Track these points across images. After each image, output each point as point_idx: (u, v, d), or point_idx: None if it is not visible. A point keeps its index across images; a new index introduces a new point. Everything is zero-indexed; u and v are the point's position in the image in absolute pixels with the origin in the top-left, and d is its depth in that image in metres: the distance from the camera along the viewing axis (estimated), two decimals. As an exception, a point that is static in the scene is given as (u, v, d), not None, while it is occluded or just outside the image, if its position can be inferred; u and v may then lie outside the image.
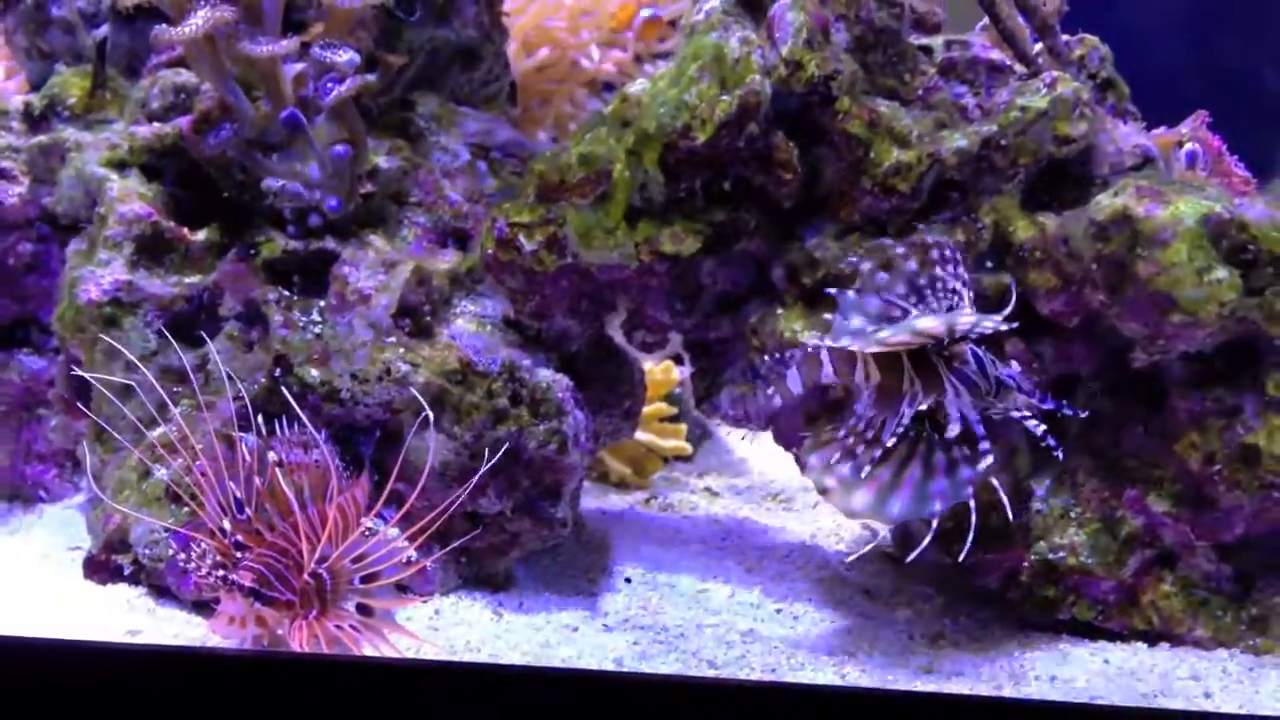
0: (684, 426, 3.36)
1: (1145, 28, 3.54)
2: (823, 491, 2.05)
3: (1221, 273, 2.05)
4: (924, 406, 2.04)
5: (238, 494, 1.97)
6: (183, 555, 2.02)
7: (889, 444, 2.03)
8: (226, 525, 1.97)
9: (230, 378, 2.19)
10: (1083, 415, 2.14)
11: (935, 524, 2.10)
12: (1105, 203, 2.12)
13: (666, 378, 3.36)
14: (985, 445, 2.03)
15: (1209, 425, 2.16)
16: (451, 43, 2.83)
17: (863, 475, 2.01)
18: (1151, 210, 2.07)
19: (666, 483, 3.27)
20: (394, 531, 2.05)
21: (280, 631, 1.99)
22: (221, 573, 1.93)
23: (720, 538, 2.81)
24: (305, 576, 1.97)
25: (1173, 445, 2.20)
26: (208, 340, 2.32)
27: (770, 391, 2.14)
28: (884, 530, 2.79)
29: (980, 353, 2.08)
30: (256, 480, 1.98)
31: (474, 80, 2.91)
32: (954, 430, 2.03)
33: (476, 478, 2.13)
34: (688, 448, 3.34)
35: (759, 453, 3.48)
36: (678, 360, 3.41)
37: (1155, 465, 2.24)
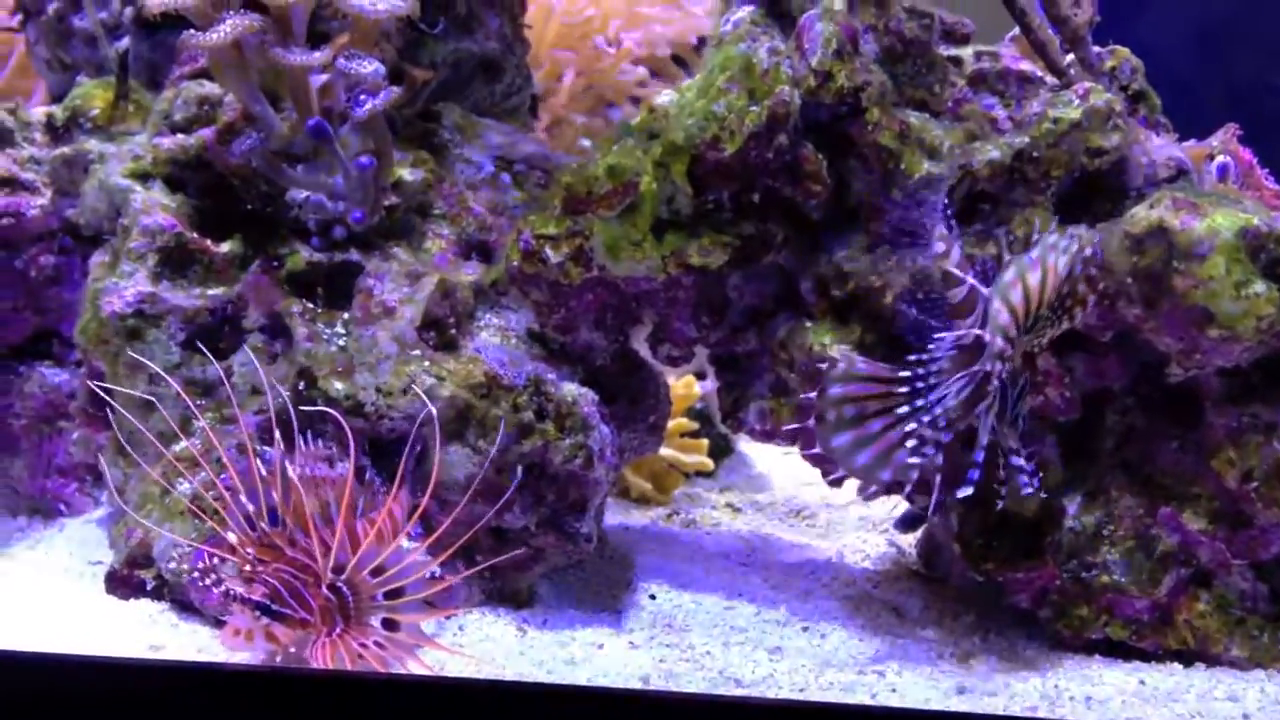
0: (705, 442, 3.34)
1: (1172, 41, 3.52)
2: (819, 419, 2.05)
3: (1260, 286, 2.02)
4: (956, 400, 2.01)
5: (251, 508, 1.95)
6: (185, 567, 2.00)
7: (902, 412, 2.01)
8: (233, 538, 1.94)
9: (272, 386, 2.16)
10: (1042, 497, 2.12)
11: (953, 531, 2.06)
12: (1141, 215, 2.09)
13: (688, 393, 3.34)
14: (974, 474, 2.00)
15: (1246, 441, 2.13)
16: (474, 54, 2.82)
17: (867, 431, 2.02)
18: (1188, 223, 2.05)
19: (688, 499, 3.25)
20: (411, 545, 2.02)
21: (293, 649, 1.96)
22: (224, 587, 1.91)
23: (744, 554, 2.78)
24: (325, 592, 1.94)
25: (1209, 462, 2.17)
26: (245, 348, 2.31)
27: (928, 225, 2.06)
28: (909, 547, 2.76)
29: (1026, 383, 2.05)
30: (275, 494, 1.96)
31: (496, 92, 2.90)
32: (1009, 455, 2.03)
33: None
34: (710, 464, 3.32)
35: (781, 469, 3.45)
36: (700, 375, 3.39)
37: (1190, 482, 2.21)
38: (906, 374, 2.01)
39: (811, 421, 2.07)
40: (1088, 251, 1.97)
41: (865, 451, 2.04)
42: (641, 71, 3.62)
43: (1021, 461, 2.05)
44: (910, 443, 2.00)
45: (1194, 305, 2.05)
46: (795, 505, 3.19)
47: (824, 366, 2.08)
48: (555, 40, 3.54)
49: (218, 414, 2.32)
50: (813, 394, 2.09)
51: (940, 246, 2.02)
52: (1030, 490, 2.04)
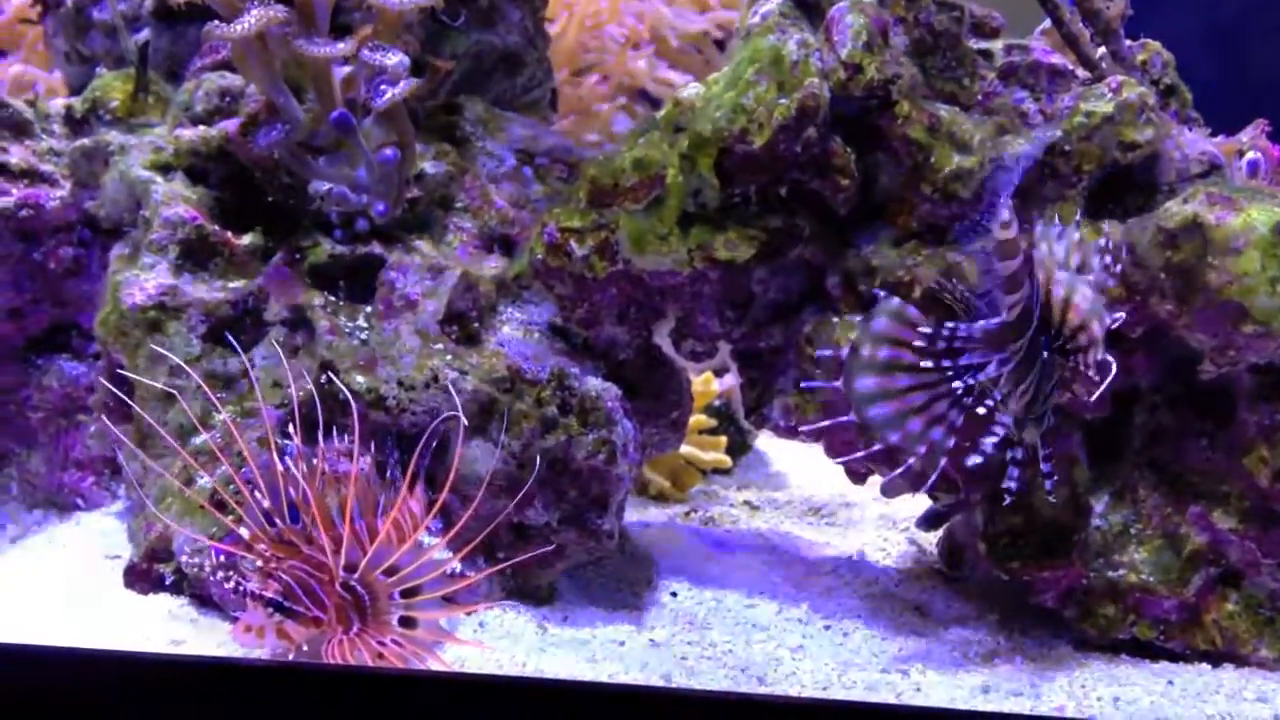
0: (724, 439, 3.32)
1: (1199, 35, 3.49)
2: (852, 350, 2.01)
3: (1295, 282, 2.00)
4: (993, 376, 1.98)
5: (269, 504, 1.93)
6: (198, 561, 1.99)
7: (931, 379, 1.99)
8: (246, 534, 1.93)
9: (298, 377, 2.14)
10: (1050, 501, 2.09)
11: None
12: (1175, 210, 2.07)
13: (706, 389, 3.32)
14: (987, 447, 1.98)
15: (1279, 440, 2.11)
16: (496, 48, 2.80)
17: (893, 384, 1.98)
18: (1223, 218, 2.02)
19: (705, 496, 3.24)
20: (431, 541, 2.01)
21: (306, 647, 1.94)
22: (234, 582, 1.89)
23: (765, 552, 2.76)
24: (339, 590, 1.92)
25: (1240, 460, 2.14)
26: (252, 347, 2.28)
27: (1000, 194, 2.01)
28: (930, 545, 2.74)
29: (1059, 381, 2.03)
30: (292, 491, 1.94)
31: (517, 85, 2.89)
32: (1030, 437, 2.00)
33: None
34: (728, 461, 3.30)
35: (798, 466, 3.43)
36: (718, 372, 3.37)
37: (1220, 481, 2.19)
38: (944, 336, 1.99)
39: (844, 351, 2.02)
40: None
41: (883, 405, 2.00)
42: (640, 65, 3.61)
43: (1029, 460, 2.03)
44: (926, 400, 1.97)
45: (1228, 301, 2.02)
46: (814, 503, 3.17)
47: (880, 295, 2.04)
48: (575, 36, 3.52)
49: (238, 407, 2.30)
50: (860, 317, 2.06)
51: (1006, 214, 1.98)
52: (1049, 488, 2.04)
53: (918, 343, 1.99)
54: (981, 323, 2.00)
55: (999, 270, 1.97)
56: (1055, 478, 2.06)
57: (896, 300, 2.04)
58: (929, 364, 1.98)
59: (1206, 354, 2.10)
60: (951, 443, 2.01)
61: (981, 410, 1.99)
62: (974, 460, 1.98)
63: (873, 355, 2.01)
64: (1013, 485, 2.02)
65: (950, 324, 2.00)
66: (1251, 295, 2.01)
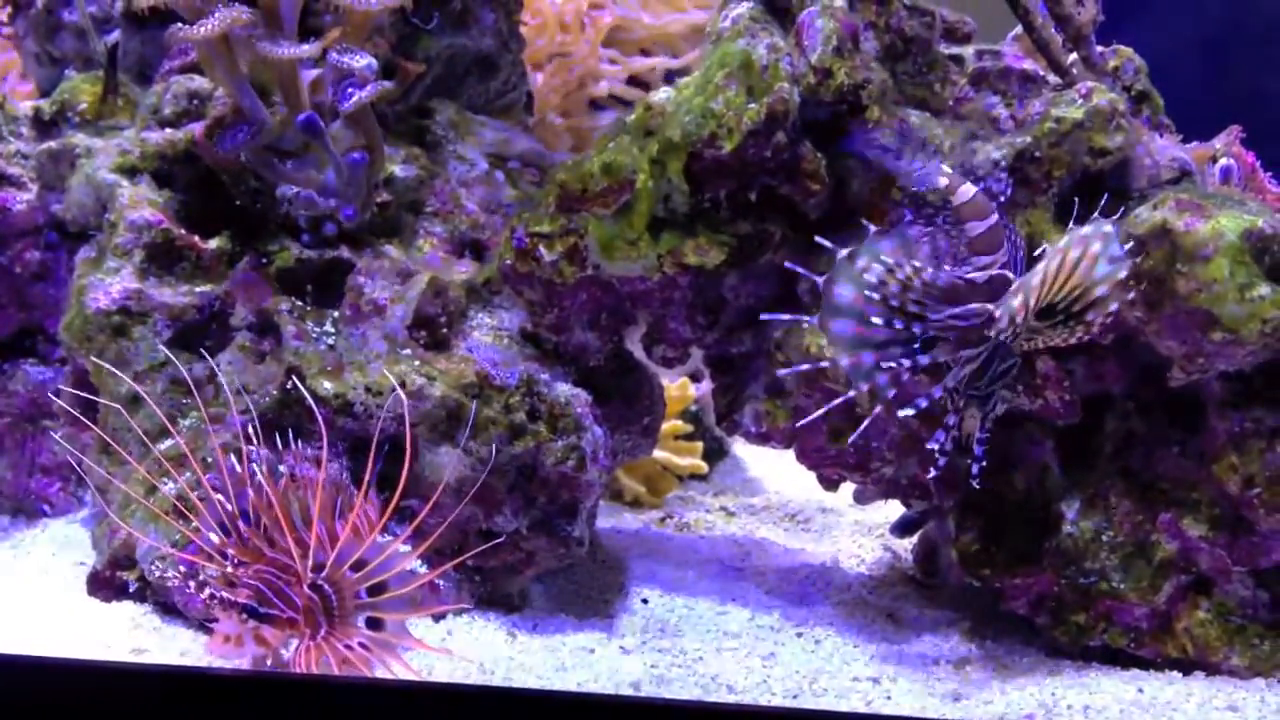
0: (700, 445, 3.31)
1: (1172, 42, 3.50)
2: (849, 255, 1.95)
3: (1264, 289, 1.99)
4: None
5: (228, 509, 1.91)
6: (166, 570, 1.96)
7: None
8: (214, 538, 1.91)
9: (240, 392, 2.13)
10: (976, 486, 2.04)
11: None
12: (1144, 216, 2.06)
13: (683, 394, 3.31)
14: (920, 402, 1.93)
15: (1248, 447, 2.10)
16: (469, 51, 2.79)
17: (872, 336, 1.94)
18: (1192, 224, 2.02)
19: (681, 502, 3.22)
20: (390, 539, 1.99)
21: (282, 650, 1.92)
22: (208, 591, 1.87)
23: (739, 559, 2.75)
24: (306, 590, 1.90)
25: (1210, 467, 2.14)
26: (218, 352, 2.27)
27: (921, 160, 2.01)
28: (905, 551, 2.74)
29: (1012, 367, 2.01)
30: (252, 495, 1.92)
31: (491, 89, 2.87)
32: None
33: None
34: (704, 466, 3.29)
35: (775, 472, 3.42)
36: (694, 377, 3.36)
37: (1191, 488, 2.18)
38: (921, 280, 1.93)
39: (823, 280, 1.95)
40: (1127, 292, 1.94)
41: (849, 323, 1.94)
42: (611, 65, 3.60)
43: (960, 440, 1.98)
44: (885, 339, 1.93)
45: (1197, 308, 2.01)
46: (790, 509, 3.16)
47: (870, 228, 1.97)
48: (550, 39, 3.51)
49: (203, 413, 2.28)
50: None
51: (942, 181, 1.92)
52: (975, 473, 1.99)
53: (900, 275, 1.93)
54: (951, 272, 1.94)
55: (967, 232, 1.91)
56: (984, 464, 1.99)
57: (862, 260, 1.94)
58: (900, 305, 1.93)
59: (1176, 361, 2.09)
60: (892, 394, 1.96)
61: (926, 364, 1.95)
62: (905, 412, 1.92)
63: (865, 269, 1.92)
64: (946, 448, 1.96)
65: (930, 270, 1.94)
66: (1220, 303, 2.00)
